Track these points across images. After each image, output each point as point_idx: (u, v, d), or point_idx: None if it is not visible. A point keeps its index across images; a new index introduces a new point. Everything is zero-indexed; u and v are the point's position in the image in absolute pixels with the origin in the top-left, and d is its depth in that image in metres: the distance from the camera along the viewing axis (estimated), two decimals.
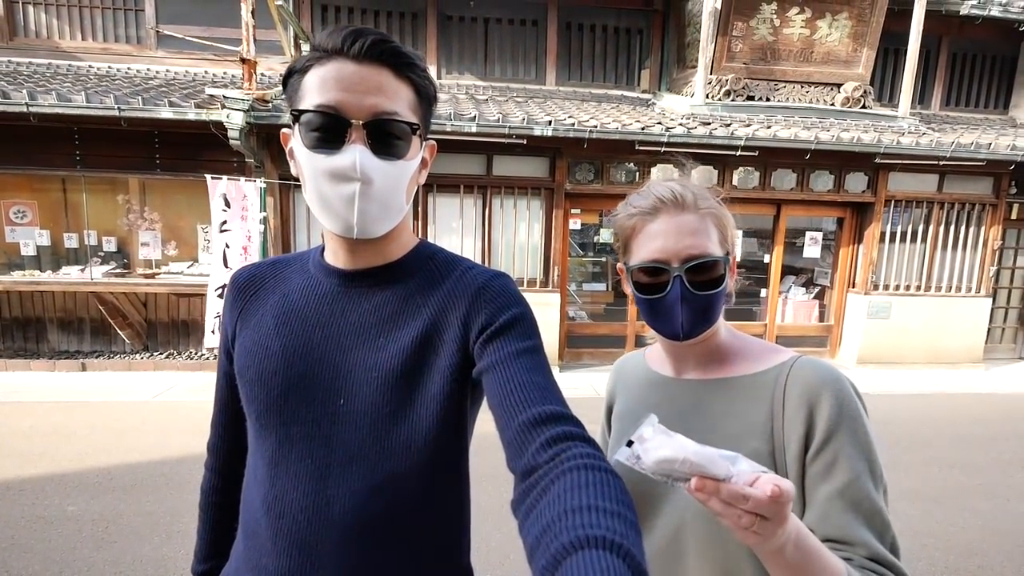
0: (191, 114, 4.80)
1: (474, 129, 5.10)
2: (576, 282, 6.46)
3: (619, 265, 0.81)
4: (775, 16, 5.94)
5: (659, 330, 0.75)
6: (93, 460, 3.42)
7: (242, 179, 4.95)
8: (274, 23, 5.58)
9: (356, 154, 0.60)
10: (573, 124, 5.21)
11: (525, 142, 5.27)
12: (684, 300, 0.70)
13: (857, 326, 6.35)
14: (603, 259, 6.54)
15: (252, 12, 4.90)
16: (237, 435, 0.76)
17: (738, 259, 0.80)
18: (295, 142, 0.64)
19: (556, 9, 6.31)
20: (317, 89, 0.61)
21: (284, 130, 0.70)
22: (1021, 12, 6.34)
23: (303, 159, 0.63)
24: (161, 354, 5.82)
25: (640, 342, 6.27)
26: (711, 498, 0.45)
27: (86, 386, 5.04)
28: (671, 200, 0.71)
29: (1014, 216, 6.53)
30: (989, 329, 6.74)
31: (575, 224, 6.05)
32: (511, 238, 5.81)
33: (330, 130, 0.60)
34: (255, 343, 0.68)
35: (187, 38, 6.26)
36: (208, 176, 4.84)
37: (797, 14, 5.95)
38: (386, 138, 0.62)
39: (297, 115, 0.62)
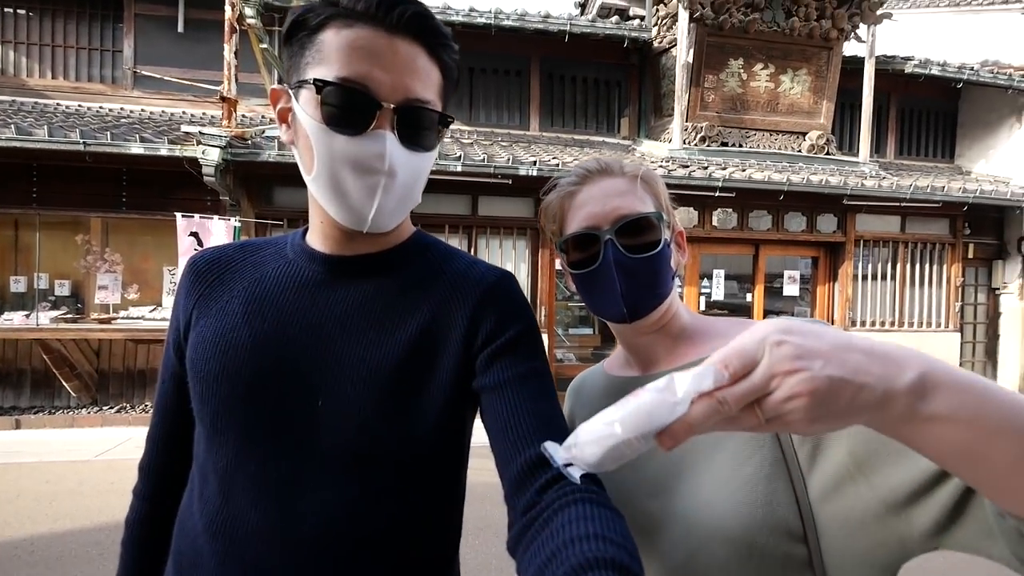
0: (163, 150, 4.51)
1: (459, 168, 5.01)
2: (562, 326, 6.26)
3: (558, 262, 0.67)
4: (742, 71, 6.24)
5: (603, 312, 0.66)
6: (14, 530, 2.84)
7: (215, 217, 4.61)
8: (258, 67, 5.45)
9: (387, 144, 0.53)
10: (557, 164, 5.19)
11: (511, 182, 5.20)
12: (619, 266, 0.62)
13: None
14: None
15: (235, 53, 4.76)
16: (180, 451, 0.64)
17: (683, 232, 0.70)
18: (300, 111, 0.54)
19: (539, 61, 6.48)
20: (343, 56, 0.52)
21: (275, 86, 0.59)
22: (957, 71, 6.86)
23: (316, 136, 0.53)
24: (111, 408, 5.17)
25: None
26: (689, 435, 0.35)
27: (18, 446, 4.36)
28: (596, 169, 0.66)
29: (971, 255, 6.78)
30: (960, 363, 6.79)
31: (560, 265, 5.90)
32: None
33: (356, 110, 0.52)
34: (217, 333, 0.59)
35: (166, 78, 6.05)
36: (178, 214, 4.49)
37: (762, 69, 6.27)
38: (417, 127, 0.55)
39: (321, 85, 0.51)
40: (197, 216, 4.52)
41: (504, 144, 6.17)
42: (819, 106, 6.50)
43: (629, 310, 0.63)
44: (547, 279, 5.72)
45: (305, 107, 0.53)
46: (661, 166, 5.64)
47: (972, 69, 6.91)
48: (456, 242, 5.56)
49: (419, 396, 0.56)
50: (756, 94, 6.34)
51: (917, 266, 6.53)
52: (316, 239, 0.62)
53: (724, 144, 6.34)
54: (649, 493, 0.59)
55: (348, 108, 0.51)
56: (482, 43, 6.03)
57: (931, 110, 7.64)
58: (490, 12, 5.89)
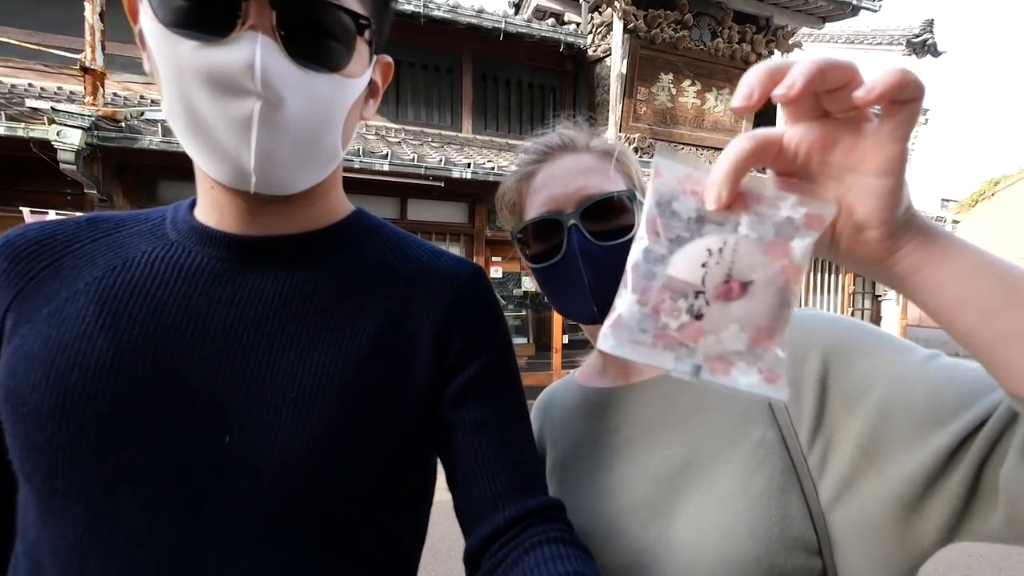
0: (1, 128, 3.54)
1: (387, 168, 4.55)
2: None
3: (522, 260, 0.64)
4: (672, 86, 6.38)
5: (570, 312, 0.58)
6: None
7: (78, 214, 3.72)
8: (134, 36, 4.55)
9: (257, 50, 0.38)
10: (493, 168, 4.91)
11: (443, 185, 4.85)
12: (586, 255, 0.54)
13: None
14: (523, 312, 6.18)
15: (101, 15, 3.83)
16: None
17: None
18: (144, 14, 0.40)
19: (472, 59, 6.17)
20: None
21: None
22: None
23: (156, 45, 0.39)
24: None
25: None
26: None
27: None
28: (559, 144, 0.59)
29: None
30: None
31: (497, 272, 5.66)
32: None
33: (210, 1, 0.38)
34: (51, 347, 0.40)
35: (6, 40, 4.86)
36: (25, 210, 3.60)
37: (690, 85, 6.45)
38: (312, 30, 0.41)
39: None
40: (52, 212, 3.65)
41: (435, 145, 5.77)
42: (739, 125, 6.81)
43: (600, 308, 0.55)
44: None
45: (146, 8, 0.39)
46: None
47: None
48: None
49: (375, 425, 0.44)
50: (684, 109, 6.50)
51: (818, 275, 7.18)
52: (208, 212, 0.48)
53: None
54: (643, 522, 0.51)
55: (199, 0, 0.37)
56: (412, 34, 5.60)
57: None
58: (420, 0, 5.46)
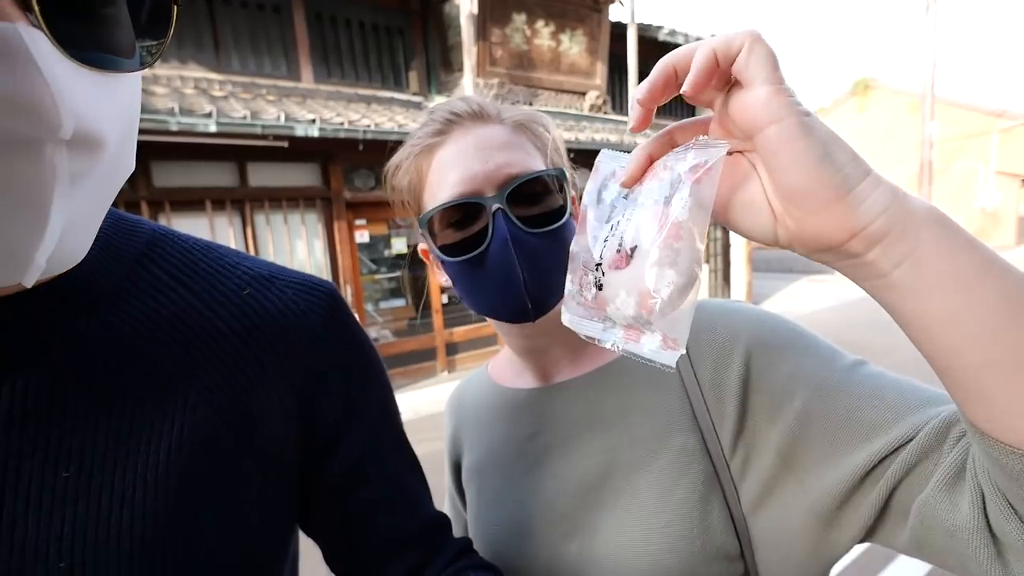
0: None
1: (213, 128, 4.14)
2: (373, 301, 5.93)
3: (421, 246, 0.58)
4: (526, 27, 6.47)
5: (499, 311, 0.51)
6: None
7: None
8: None
9: None
10: (343, 124, 4.72)
11: (287, 145, 4.54)
12: (518, 245, 0.48)
13: None
14: (397, 274, 6.18)
15: None
16: None
17: (576, 199, 0.55)
18: None
19: None
20: None
21: None
22: (696, 41, 8.27)
23: None
24: None
25: (452, 350, 6.11)
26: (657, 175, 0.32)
27: None
28: (467, 112, 0.52)
29: None
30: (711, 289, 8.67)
31: (363, 237, 5.54)
32: (287, 259, 4.95)
33: None
34: None
35: None
36: None
37: (544, 27, 6.60)
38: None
39: None
40: None
41: (271, 99, 5.30)
42: (595, 67, 7.18)
43: (535, 304, 0.49)
44: (348, 255, 5.28)
45: None
46: None
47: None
48: (225, 221, 4.67)
49: (212, 558, 0.34)
50: (541, 52, 6.65)
51: None
52: None
53: (516, 102, 6.56)
54: (565, 534, 0.51)
55: None
56: None
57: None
58: None
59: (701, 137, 0.32)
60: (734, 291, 9.13)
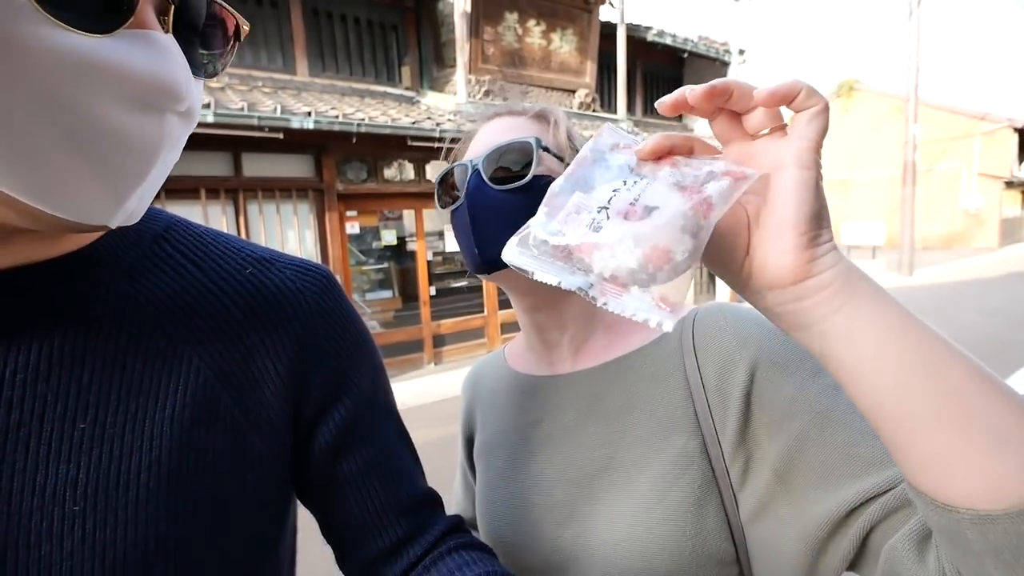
0: None
1: (211, 119, 4.28)
2: (360, 292, 6.10)
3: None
4: (518, 25, 6.67)
5: (465, 258, 0.58)
6: None
7: None
8: None
9: None
10: (338, 116, 4.87)
11: (282, 136, 4.68)
12: (474, 197, 0.53)
13: None
14: (386, 265, 6.36)
15: None
16: None
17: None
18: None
19: None
20: None
21: None
22: (683, 43, 8.60)
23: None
24: None
25: (439, 342, 6.30)
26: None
27: None
28: (504, 111, 0.60)
29: None
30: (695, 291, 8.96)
31: (353, 228, 5.71)
32: (278, 248, 5.01)
33: None
34: None
35: None
36: None
37: (535, 25, 6.80)
38: None
39: None
40: None
41: (267, 91, 5.48)
42: (585, 66, 7.41)
43: (481, 254, 0.52)
44: (339, 245, 5.45)
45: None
46: (450, 119, 5.77)
47: (693, 42, 8.72)
48: (219, 210, 4.83)
49: (212, 516, 0.37)
50: (532, 50, 6.85)
51: None
52: None
53: (506, 99, 6.79)
54: (560, 521, 0.54)
55: None
56: None
57: (665, 75, 9.42)
58: None
59: (720, 156, 0.34)
60: (720, 295, 9.40)
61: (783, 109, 0.33)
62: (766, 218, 0.33)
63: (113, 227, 0.33)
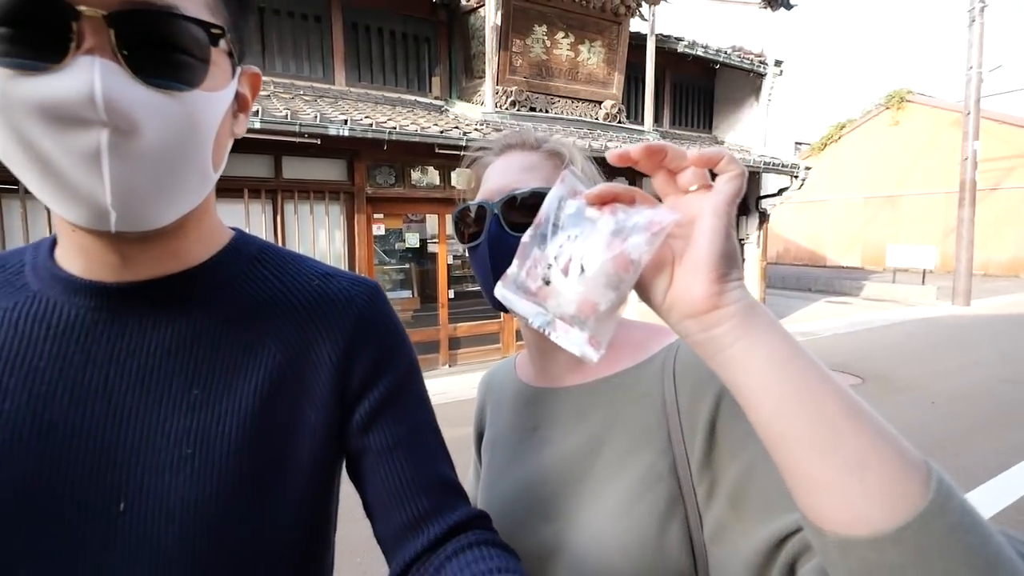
0: None
1: (258, 125, 4.70)
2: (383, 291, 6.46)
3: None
4: (546, 38, 6.91)
5: (485, 294, 0.64)
6: None
7: None
8: None
9: (94, 74, 0.36)
10: (371, 124, 5.24)
11: (319, 142, 5.07)
12: (494, 242, 0.59)
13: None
14: (407, 266, 6.64)
15: None
16: None
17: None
18: None
19: (340, 8, 6.26)
20: None
21: None
22: (715, 53, 8.62)
23: None
24: None
25: (455, 344, 6.59)
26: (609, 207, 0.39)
27: None
28: (515, 142, 0.65)
29: None
30: None
31: (379, 230, 6.09)
32: (309, 247, 5.55)
33: (32, 24, 0.35)
34: None
35: None
36: None
37: (563, 38, 7.02)
38: (158, 46, 0.38)
39: None
40: None
41: (307, 99, 5.94)
42: (612, 77, 7.57)
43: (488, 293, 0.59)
44: (365, 246, 5.83)
45: None
46: (477, 129, 6.09)
47: (726, 52, 8.75)
48: (259, 208, 5.30)
49: (278, 470, 0.47)
50: (559, 62, 7.08)
51: None
52: (71, 257, 0.45)
53: (532, 109, 7.06)
54: (544, 517, 0.59)
55: (20, 22, 0.35)
56: None
57: (696, 86, 9.49)
58: None
59: (656, 205, 0.39)
60: None
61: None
62: (687, 257, 0.38)
63: (113, 231, 0.40)
